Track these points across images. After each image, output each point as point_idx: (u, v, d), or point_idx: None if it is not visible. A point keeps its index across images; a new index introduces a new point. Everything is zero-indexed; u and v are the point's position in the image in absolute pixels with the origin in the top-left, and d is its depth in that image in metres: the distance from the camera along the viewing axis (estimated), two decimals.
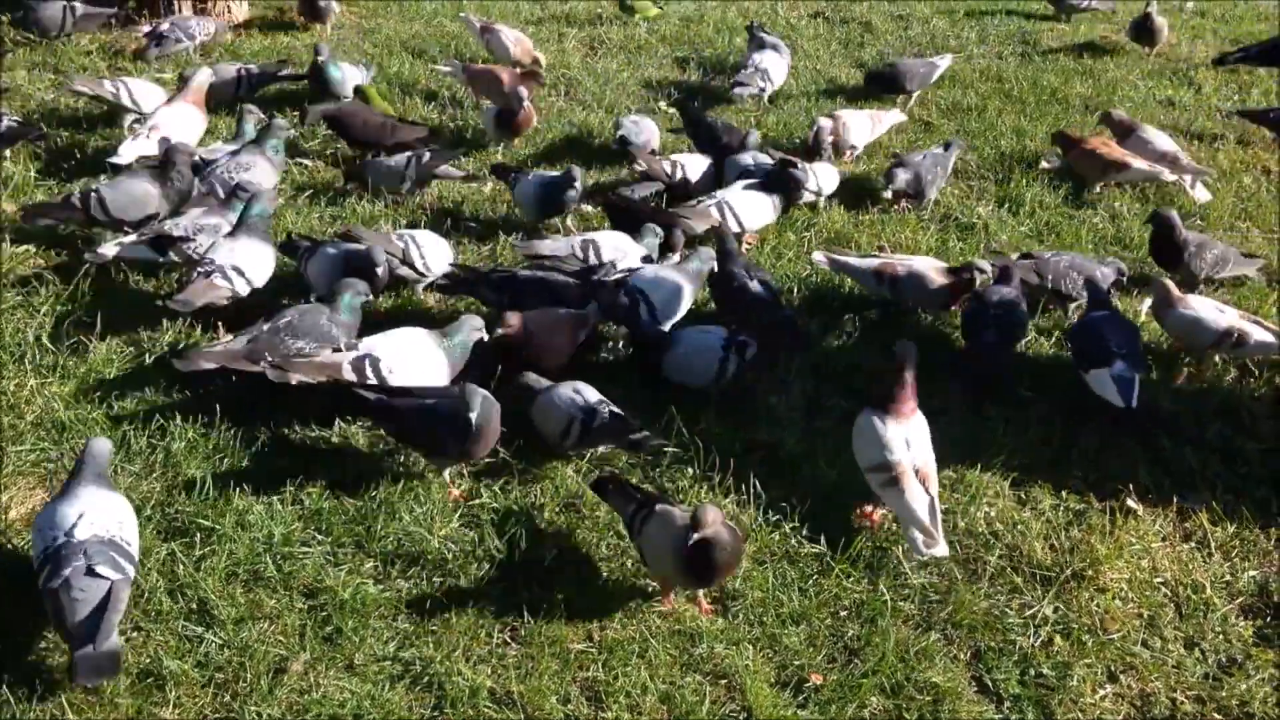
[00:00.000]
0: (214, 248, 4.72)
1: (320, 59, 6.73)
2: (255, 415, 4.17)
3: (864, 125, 6.47)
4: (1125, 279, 5.01)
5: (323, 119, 6.33)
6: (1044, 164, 6.35)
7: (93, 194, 5.07)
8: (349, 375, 4.06)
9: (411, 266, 4.89)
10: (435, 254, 4.97)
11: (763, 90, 7.19)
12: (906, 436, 3.71)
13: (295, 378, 4.04)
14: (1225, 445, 4.24)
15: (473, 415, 3.69)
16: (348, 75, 6.81)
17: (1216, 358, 4.66)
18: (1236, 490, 4.03)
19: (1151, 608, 3.56)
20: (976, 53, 8.47)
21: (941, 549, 3.60)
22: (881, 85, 7.29)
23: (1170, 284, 4.68)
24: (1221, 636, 3.48)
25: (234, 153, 5.56)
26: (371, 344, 4.18)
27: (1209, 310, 4.58)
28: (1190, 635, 3.48)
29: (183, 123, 6.00)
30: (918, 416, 3.79)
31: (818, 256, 5.09)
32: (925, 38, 8.81)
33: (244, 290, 4.67)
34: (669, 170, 5.90)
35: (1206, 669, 3.37)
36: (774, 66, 7.29)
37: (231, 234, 4.80)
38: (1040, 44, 8.71)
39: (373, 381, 4.07)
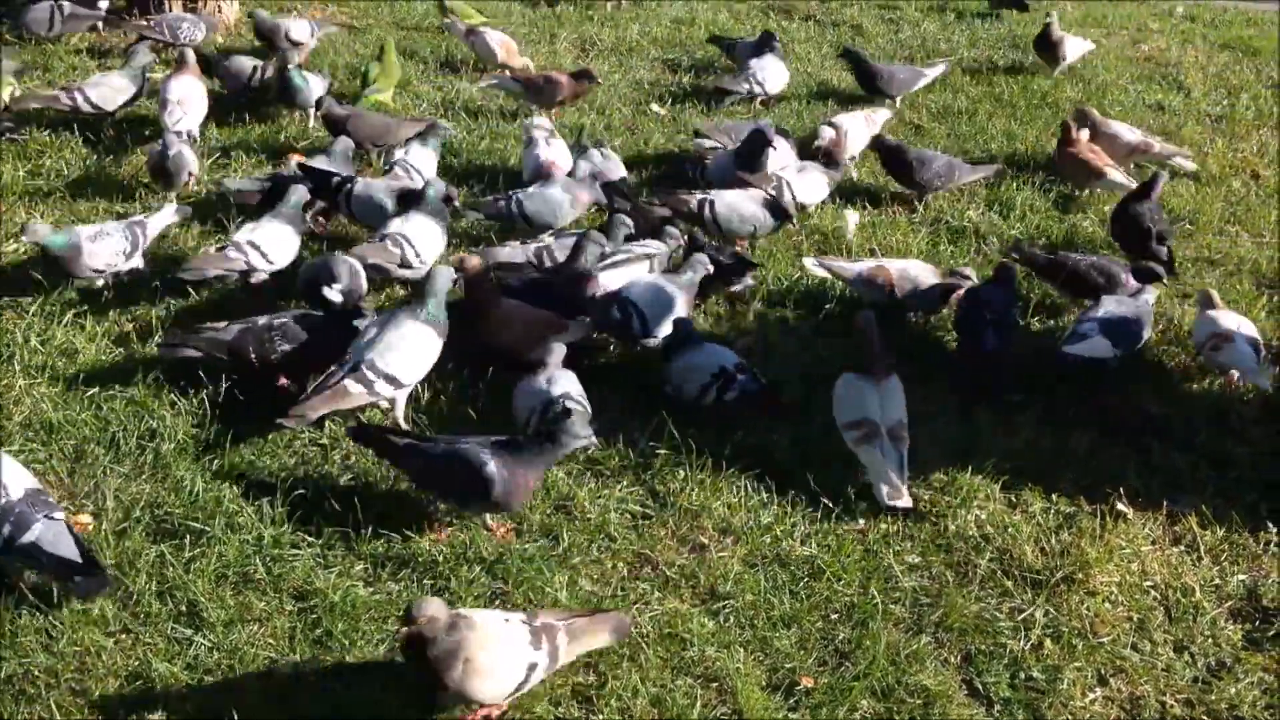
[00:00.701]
0: (238, 229, 4.94)
1: (287, 68, 6.51)
2: (246, 416, 4.16)
3: (861, 132, 6.46)
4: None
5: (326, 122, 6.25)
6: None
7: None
8: (356, 391, 4.01)
9: (409, 266, 4.88)
10: (428, 242, 4.94)
11: (750, 94, 7.17)
12: (880, 397, 3.96)
13: (313, 415, 4.00)
14: (1214, 449, 4.26)
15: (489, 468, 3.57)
16: (313, 85, 6.59)
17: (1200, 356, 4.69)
18: (1226, 494, 4.04)
19: (1141, 611, 3.57)
20: (967, 56, 8.49)
21: (905, 501, 3.82)
22: (865, 85, 7.33)
23: (1214, 292, 4.79)
24: (1211, 640, 3.49)
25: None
26: (360, 350, 4.09)
27: (1226, 316, 4.60)
28: (1180, 639, 3.49)
29: (196, 94, 6.26)
30: (892, 380, 4.03)
31: (808, 262, 5.09)
32: (916, 41, 8.83)
33: (261, 265, 4.76)
34: (728, 141, 5.98)
35: (1196, 672, 3.38)
36: (772, 71, 7.26)
37: (259, 217, 4.97)
38: (1030, 47, 8.72)
39: (381, 388, 4.02)
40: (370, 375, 4.01)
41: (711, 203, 5.40)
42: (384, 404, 4.15)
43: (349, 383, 4.00)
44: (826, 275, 5.06)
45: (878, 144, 5.99)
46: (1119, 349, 4.48)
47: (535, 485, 3.69)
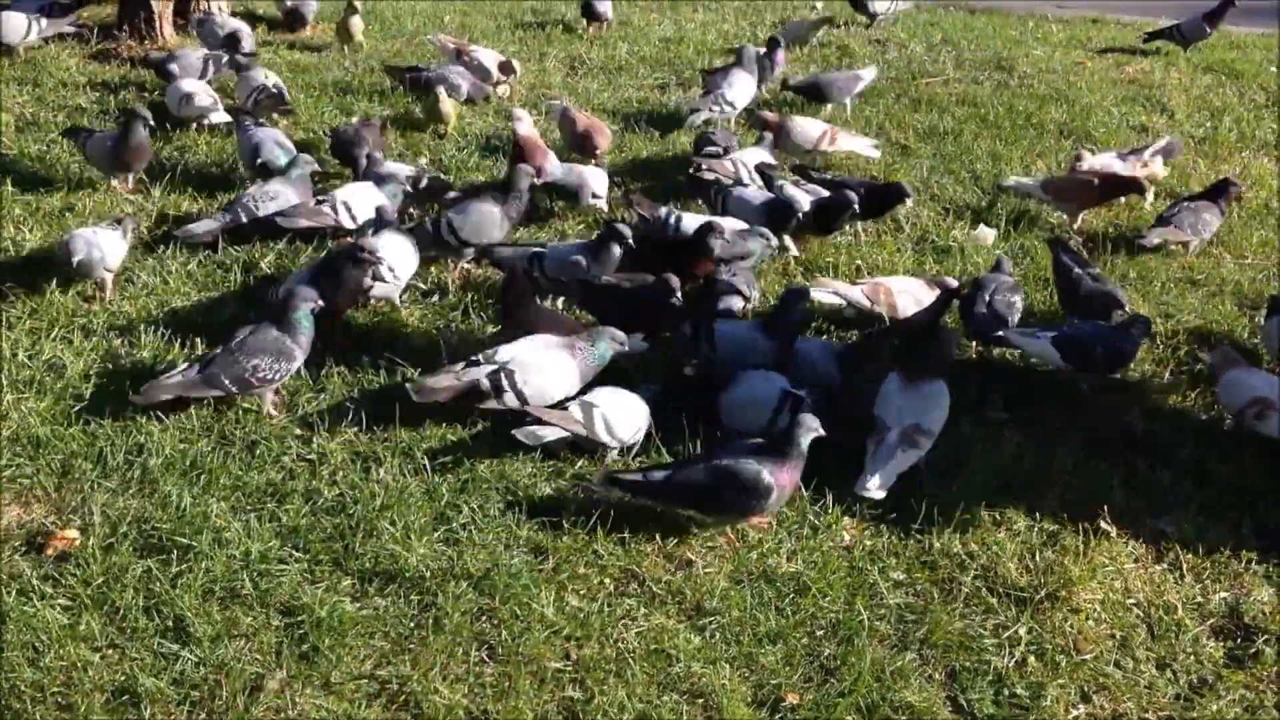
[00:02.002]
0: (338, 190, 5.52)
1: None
2: (233, 432, 4.17)
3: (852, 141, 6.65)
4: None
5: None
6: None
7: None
8: (485, 389, 4.13)
9: (382, 281, 4.89)
10: (402, 258, 4.96)
11: (720, 114, 7.10)
12: (904, 400, 4.07)
13: (439, 396, 4.12)
14: (1198, 466, 4.29)
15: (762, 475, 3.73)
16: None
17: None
18: (1209, 511, 4.06)
19: (1124, 629, 3.59)
20: (952, 77, 8.56)
21: (873, 493, 3.92)
22: (809, 95, 7.50)
23: (1231, 349, 4.62)
24: (1193, 658, 3.51)
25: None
26: (507, 354, 4.21)
27: (1259, 376, 4.50)
28: (1162, 656, 3.51)
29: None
30: (929, 386, 4.10)
31: (817, 294, 5.05)
32: (902, 62, 8.90)
33: (347, 224, 5.32)
34: (731, 169, 6.00)
35: (1178, 690, 3.40)
36: (738, 87, 7.18)
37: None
38: (1016, 69, 8.80)
39: (509, 395, 4.12)
40: (506, 385, 4.12)
41: (679, 218, 5.47)
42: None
43: (483, 379, 4.13)
44: (837, 301, 5.06)
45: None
46: (1069, 363, 4.55)
47: (797, 482, 3.86)
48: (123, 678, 3.22)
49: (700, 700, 3.27)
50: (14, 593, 3.45)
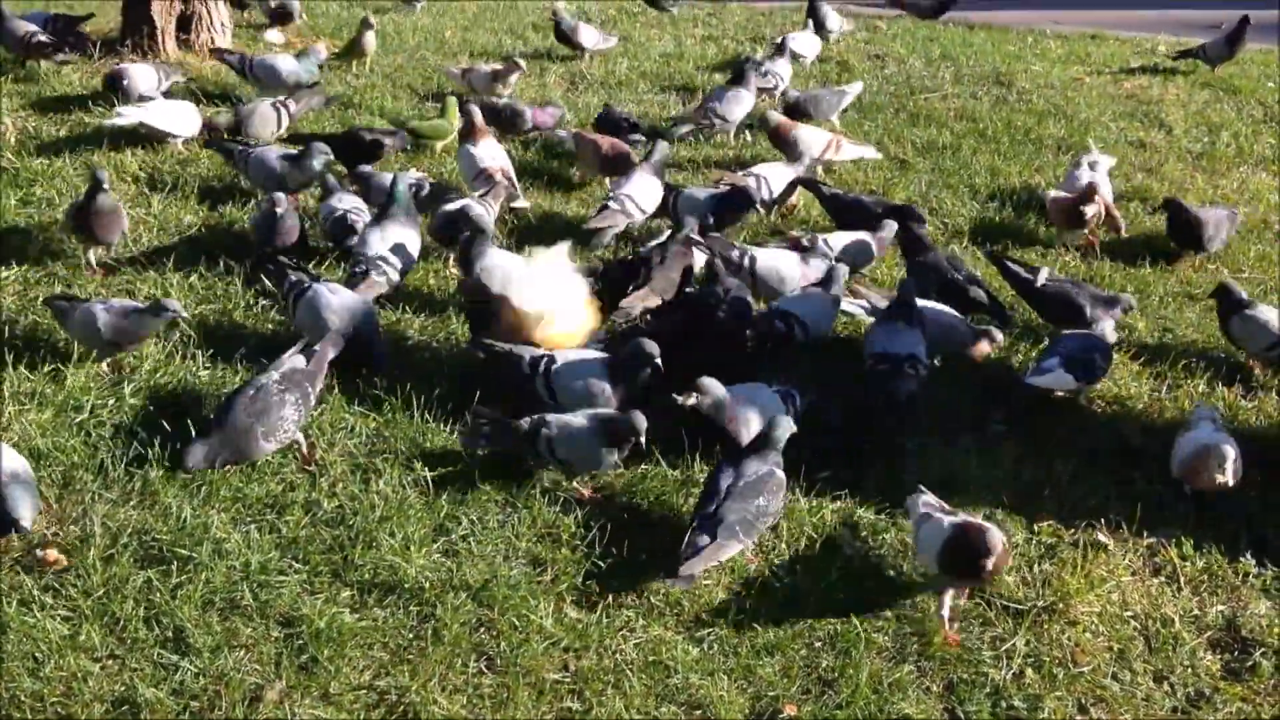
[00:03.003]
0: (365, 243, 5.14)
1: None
2: None
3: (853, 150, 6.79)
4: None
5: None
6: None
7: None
8: None
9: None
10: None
11: (709, 127, 7.16)
12: None
13: None
14: None
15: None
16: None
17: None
18: (1205, 524, 4.07)
19: (1121, 641, 3.60)
20: (951, 92, 8.59)
21: None
22: (795, 114, 7.44)
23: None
24: (1190, 670, 3.52)
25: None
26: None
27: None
28: (1159, 669, 3.52)
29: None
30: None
31: (848, 305, 5.07)
32: (900, 77, 8.94)
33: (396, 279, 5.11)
34: (754, 185, 5.97)
35: (1175, 702, 3.41)
36: (734, 104, 7.20)
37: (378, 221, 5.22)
38: (1014, 84, 8.84)
39: None
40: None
41: (753, 258, 5.28)
42: None
43: None
44: (861, 309, 5.08)
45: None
46: (1081, 381, 4.54)
47: None
48: (123, 688, 3.23)
49: (698, 711, 3.28)
50: (15, 603, 3.47)
